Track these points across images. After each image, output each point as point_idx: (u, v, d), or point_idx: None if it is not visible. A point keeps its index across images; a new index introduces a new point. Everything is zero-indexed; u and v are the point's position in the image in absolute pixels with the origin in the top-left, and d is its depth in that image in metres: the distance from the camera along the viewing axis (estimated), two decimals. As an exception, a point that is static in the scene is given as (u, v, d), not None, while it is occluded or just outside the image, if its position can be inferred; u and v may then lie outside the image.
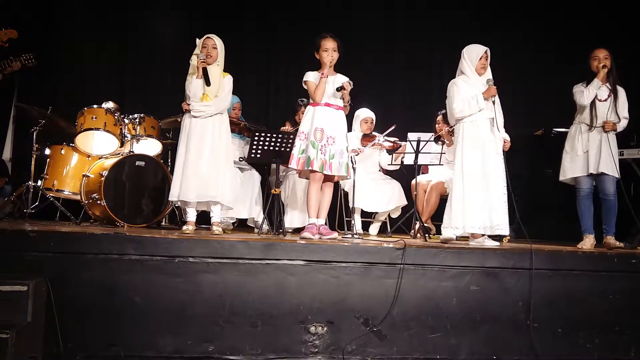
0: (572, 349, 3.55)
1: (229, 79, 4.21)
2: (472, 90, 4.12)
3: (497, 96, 4.13)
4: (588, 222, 4.33)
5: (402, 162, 5.33)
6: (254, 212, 5.00)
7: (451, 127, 4.46)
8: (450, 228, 4.11)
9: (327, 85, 4.18)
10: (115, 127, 4.92)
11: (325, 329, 3.32)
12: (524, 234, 4.01)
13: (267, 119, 6.48)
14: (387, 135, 5.24)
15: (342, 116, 4.26)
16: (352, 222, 4.96)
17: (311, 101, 4.26)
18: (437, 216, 4.98)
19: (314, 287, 3.35)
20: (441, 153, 5.07)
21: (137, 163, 4.63)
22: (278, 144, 4.51)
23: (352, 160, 4.59)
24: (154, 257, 3.26)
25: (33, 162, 4.96)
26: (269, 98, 6.71)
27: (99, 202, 4.51)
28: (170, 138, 5.41)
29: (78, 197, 4.89)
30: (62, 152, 4.99)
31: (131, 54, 6.48)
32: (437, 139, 5.17)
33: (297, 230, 4.62)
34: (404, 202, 5.43)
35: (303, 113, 4.42)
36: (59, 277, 3.14)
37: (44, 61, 5.06)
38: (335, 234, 4.14)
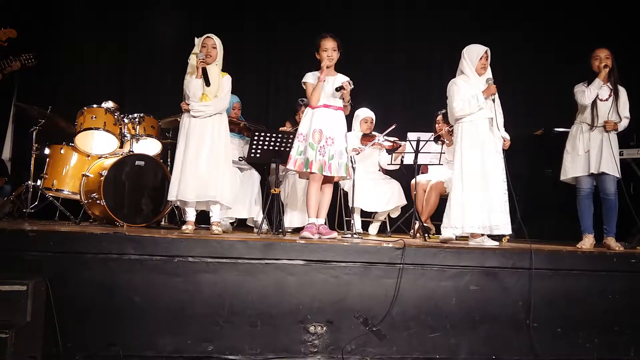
0: (572, 349, 3.55)
1: (227, 79, 4.21)
2: (472, 90, 4.12)
3: (497, 95, 4.13)
4: (588, 222, 4.32)
5: (401, 161, 5.34)
6: (254, 211, 5.00)
7: (451, 126, 4.46)
8: (450, 228, 4.11)
9: (327, 85, 4.18)
10: (114, 127, 4.92)
11: (324, 328, 3.32)
12: (524, 233, 4.01)
13: (267, 119, 6.48)
14: (387, 134, 5.24)
15: (341, 117, 4.25)
16: (352, 221, 4.95)
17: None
18: (437, 216, 4.99)
19: (314, 287, 3.35)
20: (441, 153, 5.08)
21: (137, 163, 4.64)
22: (278, 144, 4.51)
23: (351, 160, 4.58)
24: (153, 256, 3.26)
25: (32, 162, 4.95)
26: (269, 98, 6.71)
27: (98, 201, 4.51)
28: (169, 138, 5.41)
29: (77, 197, 4.90)
30: (62, 151, 4.99)
31: (131, 54, 6.48)
32: (437, 139, 5.17)
33: (297, 230, 4.62)
34: (403, 201, 5.43)
35: (303, 113, 4.42)
36: (58, 276, 3.14)
37: (44, 61, 5.07)
38: (334, 234, 4.14)
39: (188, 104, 4.10)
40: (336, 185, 5.03)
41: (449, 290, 3.47)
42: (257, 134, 4.51)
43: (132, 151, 4.81)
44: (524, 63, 6.62)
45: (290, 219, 5.00)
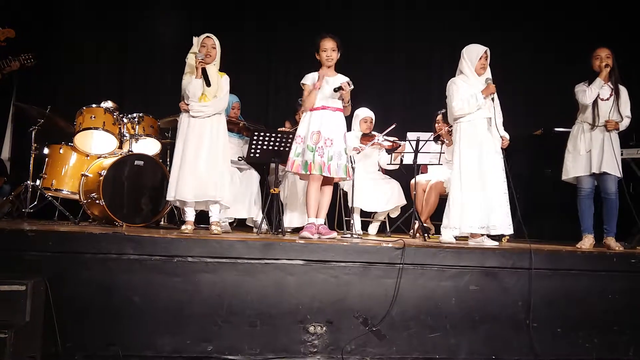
0: (572, 349, 3.54)
1: (226, 79, 4.20)
2: (471, 90, 4.12)
3: (496, 94, 4.12)
4: (588, 221, 4.32)
5: (401, 161, 5.33)
6: (253, 211, 5.00)
7: (451, 126, 4.46)
8: (449, 228, 4.11)
9: (326, 86, 4.16)
10: (114, 127, 4.92)
11: (324, 328, 3.32)
12: (523, 233, 4.01)
13: (266, 118, 6.48)
14: (387, 134, 5.23)
15: (340, 118, 4.23)
16: (352, 221, 4.95)
17: None
18: (436, 216, 4.98)
19: (313, 287, 3.35)
20: (440, 152, 5.07)
21: (136, 162, 4.63)
22: (277, 144, 4.50)
23: (351, 160, 4.57)
24: (152, 256, 3.26)
25: (32, 162, 4.95)
26: (269, 98, 6.71)
27: (97, 201, 4.51)
28: (169, 137, 5.41)
29: (77, 197, 4.89)
30: (61, 151, 4.98)
31: (131, 54, 6.48)
32: (437, 139, 5.16)
33: (296, 230, 4.62)
34: (403, 201, 5.42)
35: (302, 113, 4.41)
36: (57, 276, 3.14)
37: (44, 61, 5.07)
38: (334, 234, 4.13)
39: (187, 104, 4.09)
40: (336, 185, 5.03)
41: (449, 290, 3.46)
42: (256, 133, 4.50)
43: (132, 151, 4.81)
44: (524, 63, 6.62)
45: (290, 219, 4.99)
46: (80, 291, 3.17)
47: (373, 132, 5.40)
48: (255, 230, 4.79)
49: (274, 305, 3.30)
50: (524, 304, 3.50)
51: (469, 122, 4.13)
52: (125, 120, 4.96)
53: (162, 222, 5.16)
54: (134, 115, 4.96)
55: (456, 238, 4.21)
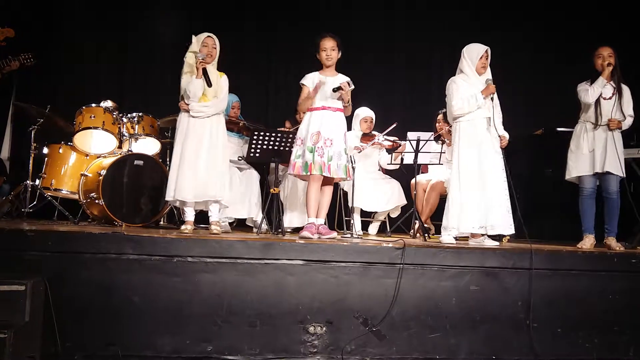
0: (572, 349, 3.54)
1: (225, 79, 4.20)
2: (471, 90, 4.11)
3: (495, 94, 4.12)
4: (589, 221, 4.31)
5: (401, 161, 5.33)
6: (253, 211, 4.99)
7: (451, 126, 4.45)
8: (449, 229, 4.10)
9: (326, 86, 4.15)
10: (113, 126, 4.92)
11: (324, 329, 3.31)
12: (524, 233, 4.00)
13: (266, 118, 6.48)
14: (387, 134, 5.23)
15: (340, 118, 4.22)
16: (352, 221, 4.94)
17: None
18: (437, 216, 4.98)
19: (313, 287, 3.34)
20: (441, 152, 5.07)
21: (136, 162, 4.62)
22: (277, 143, 4.50)
23: (351, 160, 4.57)
24: (152, 256, 3.25)
25: (31, 161, 4.95)
26: (269, 98, 6.71)
27: (97, 201, 4.50)
28: (168, 137, 5.40)
29: (76, 197, 4.89)
30: (60, 151, 4.97)
31: (131, 54, 6.48)
32: (437, 138, 5.16)
33: (296, 230, 4.61)
34: (403, 201, 5.42)
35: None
36: (57, 276, 3.13)
37: (44, 61, 5.07)
38: (334, 234, 4.13)
39: (187, 104, 4.08)
40: (336, 185, 5.02)
41: (449, 290, 3.46)
42: (256, 133, 4.50)
43: (131, 150, 4.80)
44: (524, 63, 6.62)
45: (290, 219, 4.99)
46: (80, 291, 3.16)
47: (373, 132, 5.40)
48: (255, 230, 4.79)
49: (274, 305, 3.30)
50: (524, 304, 3.50)
51: (468, 121, 4.12)
52: (124, 119, 4.96)
53: (161, 222, 5.16)
54: (134, 114, 4.95)
55: (457, 238, 4.21)
